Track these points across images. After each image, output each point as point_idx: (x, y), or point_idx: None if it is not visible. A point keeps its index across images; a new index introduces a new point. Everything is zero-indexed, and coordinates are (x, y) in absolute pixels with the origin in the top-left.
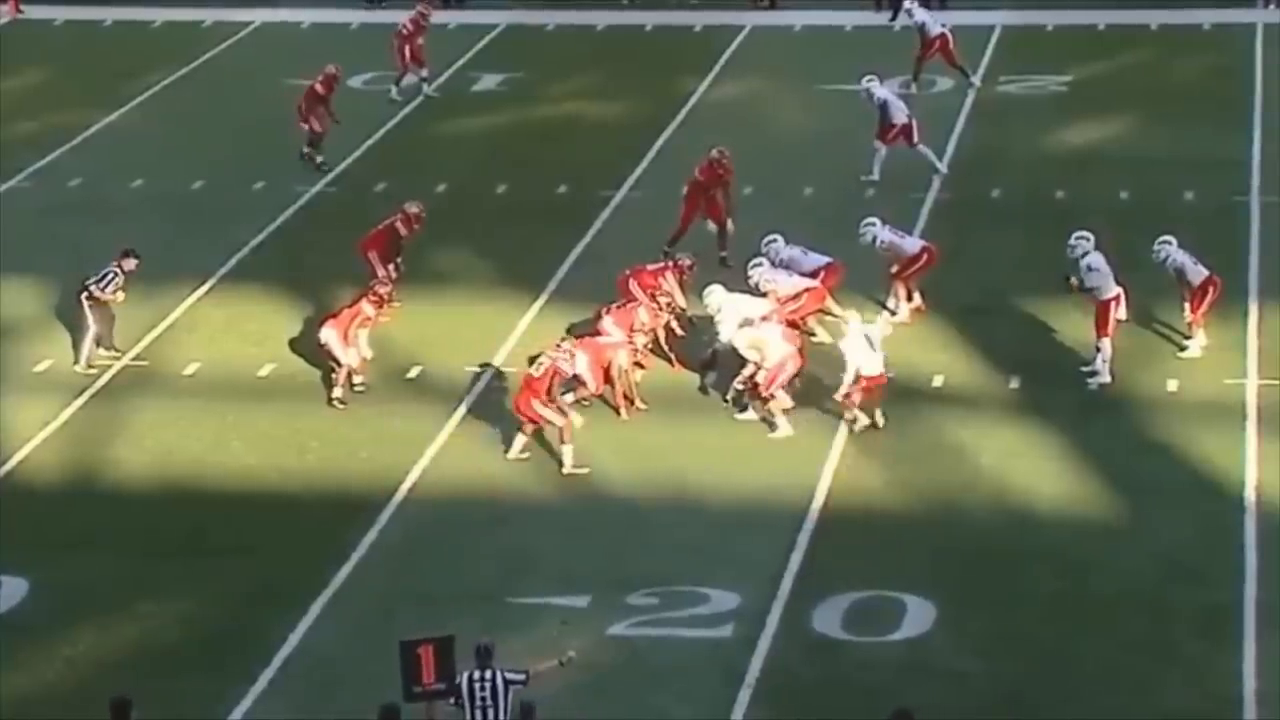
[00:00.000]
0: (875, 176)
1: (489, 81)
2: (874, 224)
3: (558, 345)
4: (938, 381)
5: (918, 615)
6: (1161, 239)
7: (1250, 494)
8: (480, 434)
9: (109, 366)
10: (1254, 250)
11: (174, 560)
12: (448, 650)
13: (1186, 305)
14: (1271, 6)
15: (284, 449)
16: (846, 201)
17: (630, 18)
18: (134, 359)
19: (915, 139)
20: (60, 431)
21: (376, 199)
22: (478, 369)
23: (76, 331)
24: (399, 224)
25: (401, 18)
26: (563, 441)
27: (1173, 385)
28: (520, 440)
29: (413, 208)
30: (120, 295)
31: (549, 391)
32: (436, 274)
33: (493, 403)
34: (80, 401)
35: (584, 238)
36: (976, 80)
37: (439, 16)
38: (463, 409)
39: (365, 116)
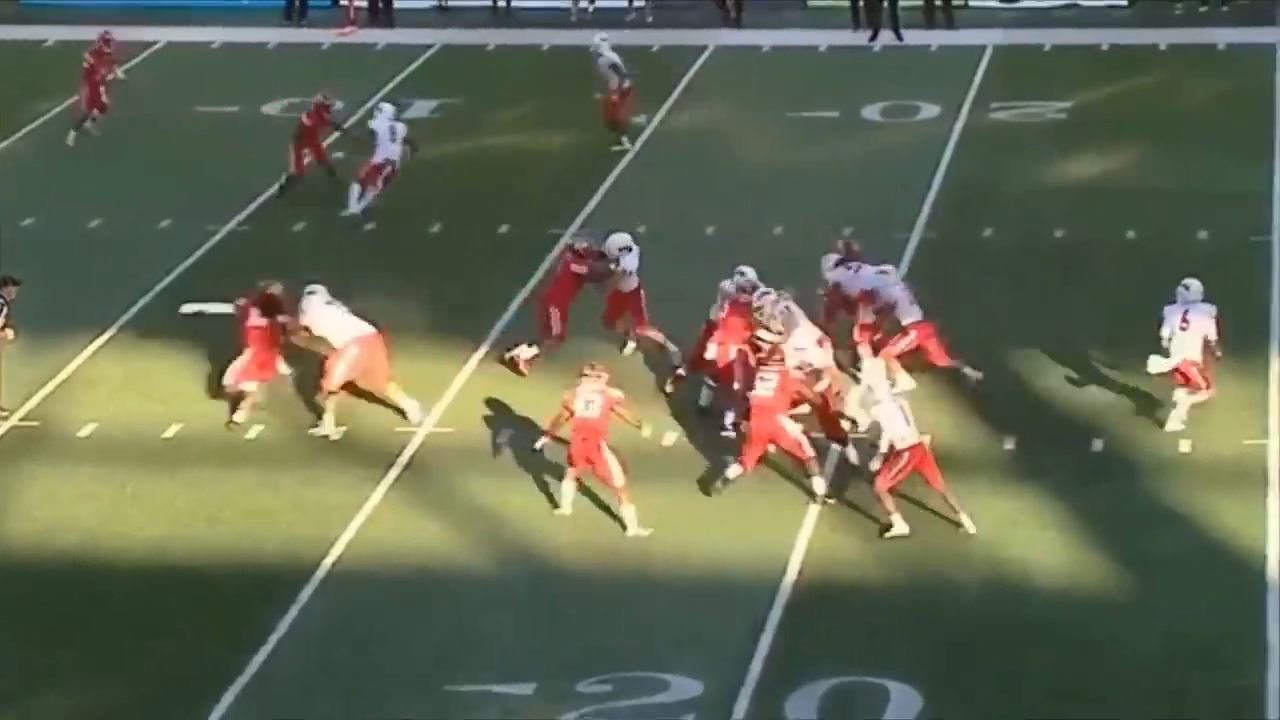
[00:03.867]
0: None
1: (422, 108)
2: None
3: (593, 373)
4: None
5: (902, 703)
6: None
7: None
8: (413, 501)
9: None
10: (1275, 296)
11: (66, 647)
12: None
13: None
14: None
15: (192, 519)
16: (821, 243)
17: (580, 37)
18: (22, 419)
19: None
20: None
21: (296, 239)
22: (410, 429)
23: None
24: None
25: (324, 36)
26: (622, 501)
27: (1185, 446)
28: (569, 490)
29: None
30: (9, 333)
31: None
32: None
33: (427, 466)
34: None
35: (529, 282)
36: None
37: (367, 35)
38: (393, 474)
39: (282, 147)
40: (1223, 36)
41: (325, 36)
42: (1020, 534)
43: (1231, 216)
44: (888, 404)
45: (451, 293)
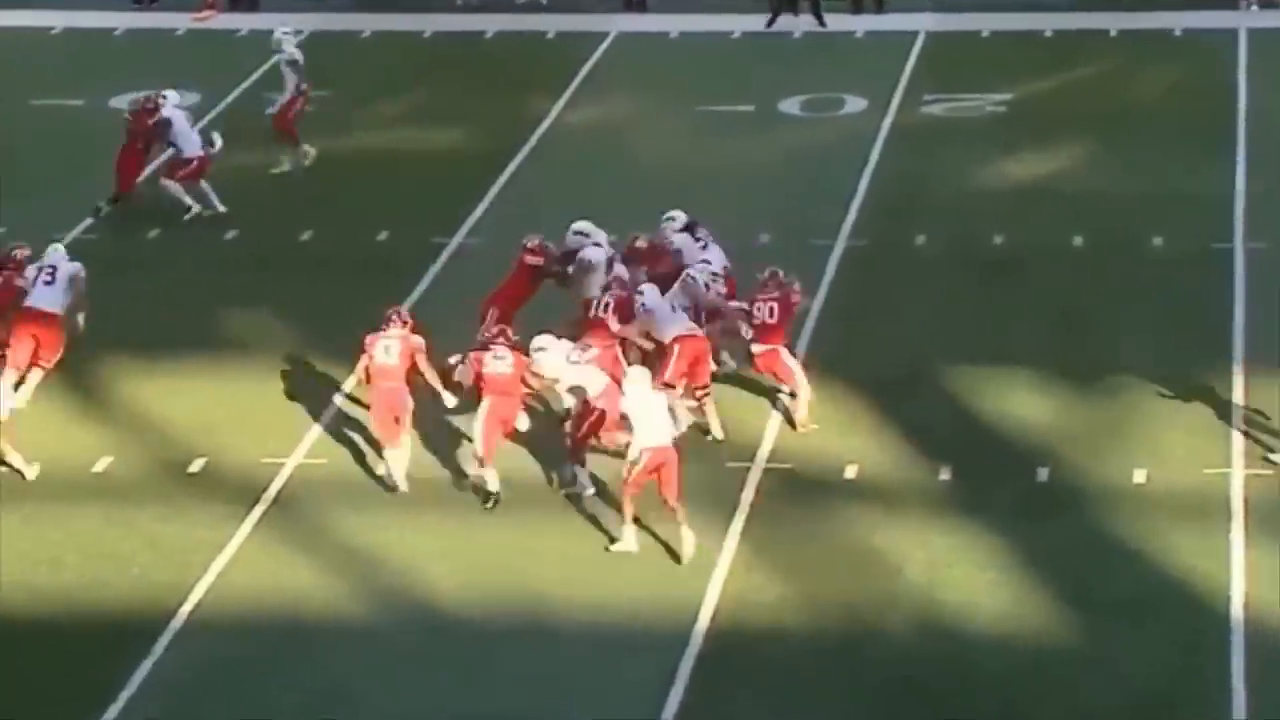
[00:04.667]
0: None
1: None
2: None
3: (398, 319)
4: (850, 472)
5: None
6: None
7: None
8: (282, 540)
9: None
10: (1239, 310)
11: None
12: None
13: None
14: (1254, 8)
15: (33, 564)
16: (736, 250)
17: (466, 22)
18: None
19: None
20: None
21: (149, 246)
22: (278, 461)
23: None
24: None
25: (179, 22)
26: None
27: (1140, 476)
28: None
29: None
30: None
31: None
32: (224, 342)
33: (298, 501)
34: None
35: (411, 295)
36: None
37: (227, 21)
38: (259, 510)
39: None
40: (1179, 21)
41: (180, 22)
42: (956, 574)
43: (1189, 221)
44: (634, 394)
45: (322, 308)
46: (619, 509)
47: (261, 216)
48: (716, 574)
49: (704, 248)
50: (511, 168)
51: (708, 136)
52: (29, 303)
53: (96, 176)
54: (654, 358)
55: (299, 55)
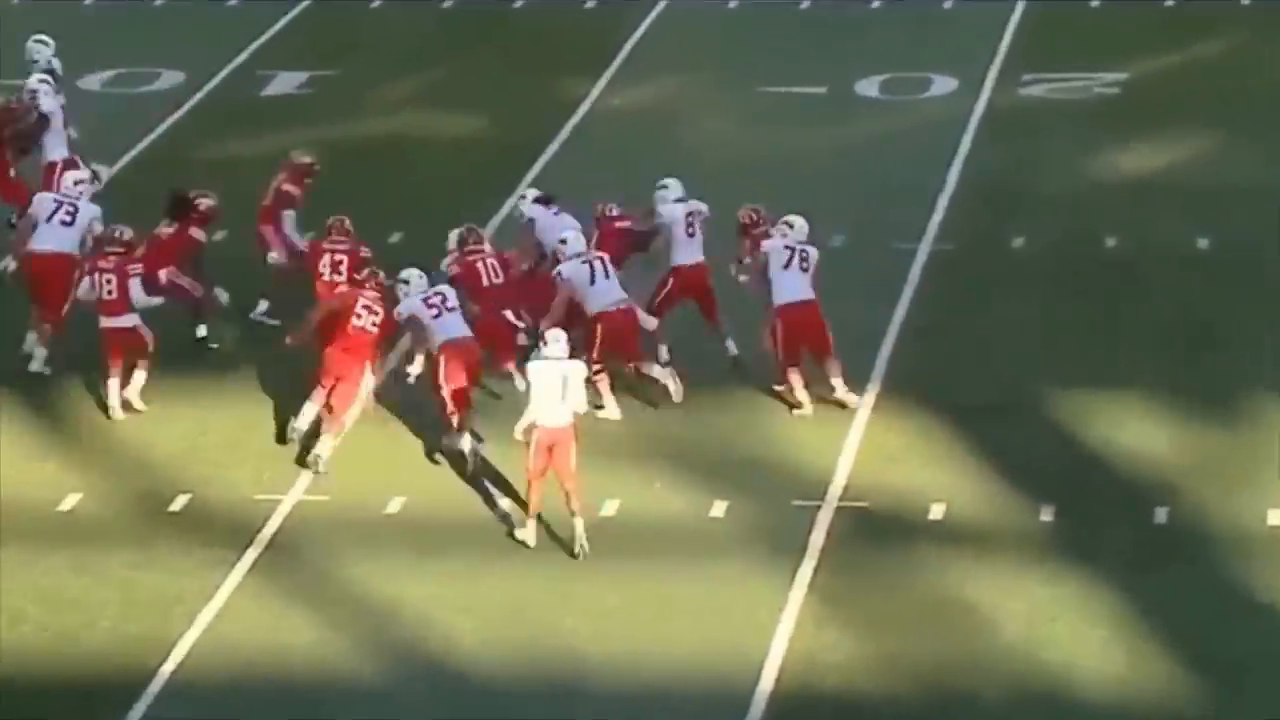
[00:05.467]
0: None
1: (287, 82)
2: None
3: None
4: (937, 512)
5: None
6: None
7: None
8: (277, 589)
9: None
10: None
11: None
12: None
13: None
14: None
15: None
16: None
17: None
18: None
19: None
20: None
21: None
22: (273, 497)
23: None
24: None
25: None
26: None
27: (1274, 517)
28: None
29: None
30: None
31: None
32: (210, 359)
33: (295, 544)
34: None
35: None
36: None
37: None
38: (251, 554)
39: (107, 132)
40: None
41: None
42: (1060, 630)
43: None
44: (536, 364)
45: None
46: (653, 545)
47: (252, 214)
48: (780, 629)
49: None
50: (543, 159)
51: (772, 123)
52: None
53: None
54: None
55: (57, 64)
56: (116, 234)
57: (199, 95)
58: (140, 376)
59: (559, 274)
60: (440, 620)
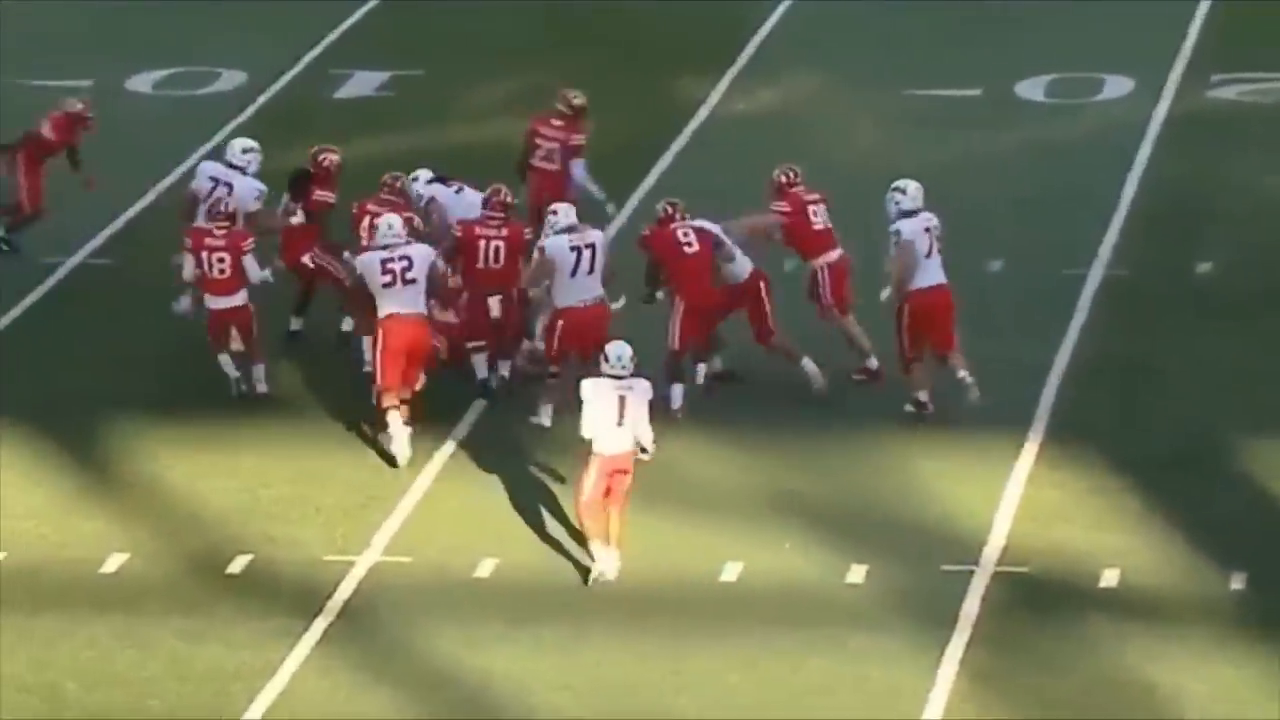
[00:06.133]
0: None
1: (364, 83)
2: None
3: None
4: (1109, 578)
5: None
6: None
7: None
8: (350, 663)
9: None
10: None
11: None
12: None
13: None
14: None
15: (23, 694)
16: (953, 277)
17: None
18: None
19: None
20: None
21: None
22: (346, 558)
23: None
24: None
25: None
26: None
27: None
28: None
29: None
30: None
31: None
32: (275, 400)
33: (372, 612)
34: None
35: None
36: None
37: None
38: (321, 623)
39: (157, 140)
40: None
41: None
42: (1251, 716)
43: None
44: (591, 382)
45: None
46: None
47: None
48: (929, 709)
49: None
50: (657, 170)
51: (920, 129)
52: None
53: (113, 176)
54: None
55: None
56: (222, 206)
57: (263, 98)
58: (260, 367)
59: (541, 248)
60: (536, 697)
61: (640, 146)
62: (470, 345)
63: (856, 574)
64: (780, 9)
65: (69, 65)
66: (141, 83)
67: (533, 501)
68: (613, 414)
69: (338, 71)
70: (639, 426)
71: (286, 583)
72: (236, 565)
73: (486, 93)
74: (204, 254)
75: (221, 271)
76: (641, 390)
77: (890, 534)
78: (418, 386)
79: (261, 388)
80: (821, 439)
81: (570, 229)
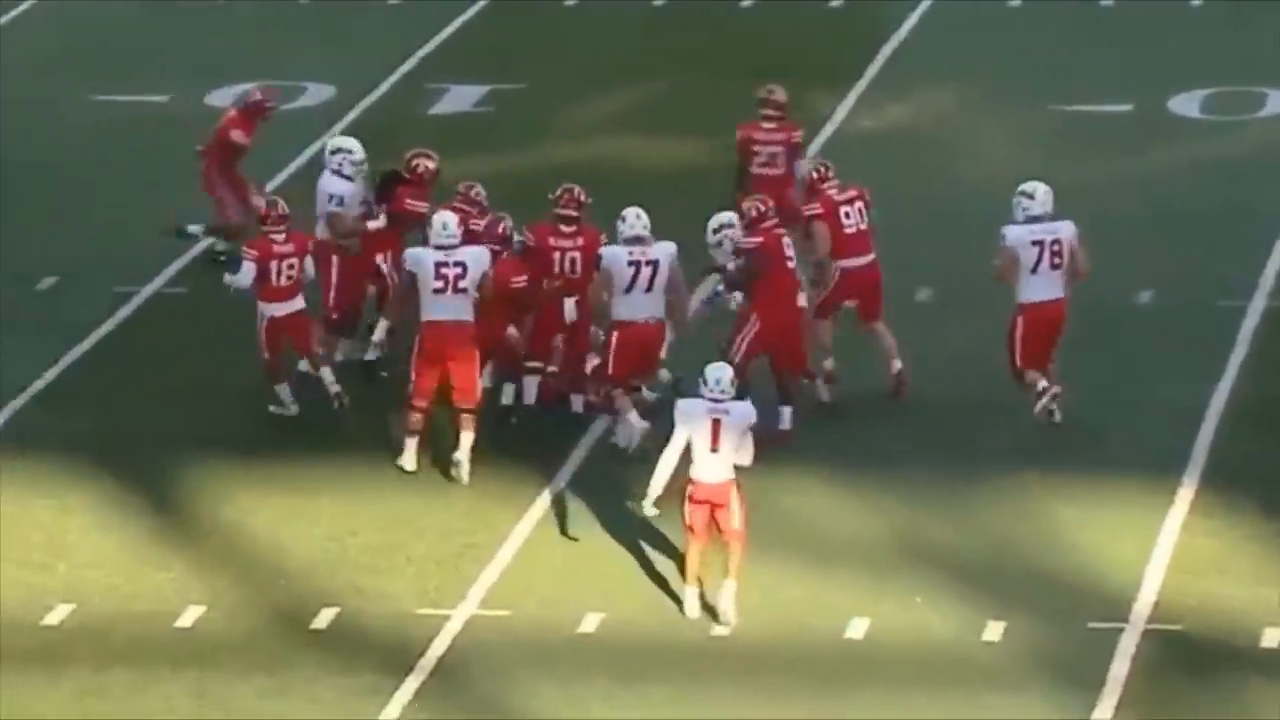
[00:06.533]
0: None
1: (461, 98)
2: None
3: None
4: (1271, 638)
5: None
6: None
7: None
8: None
9: None
10: None
11: None
12: None
13: None
14: None
15: None
16: (1098, 309)
17: None
18: None
19: None
20: None
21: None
22: (440, 612)
23: None
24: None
25: None
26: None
27: None
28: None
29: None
30: None
31: None
32: (362, 441)
33: (467, 669)
34: None
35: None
36: None
37: None
38: (412, 683)
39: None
40: None
41: None
42: None
43: None
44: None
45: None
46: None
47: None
48: None
49: None
50: None
51: (1065, 147)
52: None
53: (188, 196)
54: None
55: None
56: (278, 209)
57: (352, 114)
58: (326, 370)
59: (599, 255)
60: None
61: None
62: (529, 365)
63: (993, 631)
64: (914, 15)
65: (145, 79)
66: (222, 98)
67: (642, 550)
68: (706, 439)
69: (433, 86)
70: (741, 451)
71: (375, 638)
72: (322, 619)
73: (590, 108)
74: (272, 263)
75: (290, 279)
76: (740, 414)
77: (1030, 587)
78: (477, 396)
79: (335, 388)
80: (951, 480)
81: (636, 239)
